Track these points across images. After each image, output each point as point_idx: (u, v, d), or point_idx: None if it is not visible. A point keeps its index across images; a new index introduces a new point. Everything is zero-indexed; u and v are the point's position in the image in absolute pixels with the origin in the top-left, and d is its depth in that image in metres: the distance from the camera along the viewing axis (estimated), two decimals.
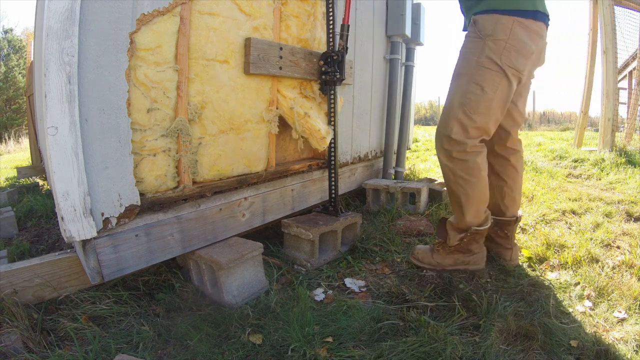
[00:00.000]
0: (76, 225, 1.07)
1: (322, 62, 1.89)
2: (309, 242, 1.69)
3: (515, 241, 1.73)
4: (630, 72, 5.70)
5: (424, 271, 1.62)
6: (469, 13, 1.51)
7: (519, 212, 1.73)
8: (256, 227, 1.77)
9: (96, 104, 1.10)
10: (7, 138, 9.93)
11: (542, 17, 1.40)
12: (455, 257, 1.60)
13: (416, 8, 2.89)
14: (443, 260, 1.61)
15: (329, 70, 1.88)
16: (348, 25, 1.86)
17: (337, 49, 1.89)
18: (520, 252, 1.76)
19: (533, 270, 1.64)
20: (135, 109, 1.21)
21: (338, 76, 1.89)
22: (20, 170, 3.97)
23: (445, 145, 1.50)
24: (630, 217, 2.28)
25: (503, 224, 1.69)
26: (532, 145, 5.48)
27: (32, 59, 4.47)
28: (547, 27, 1.46)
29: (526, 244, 1.89)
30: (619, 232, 2.01)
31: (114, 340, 1.14)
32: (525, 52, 1.38)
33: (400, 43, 2.80)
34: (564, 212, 2.34)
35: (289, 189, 1.93)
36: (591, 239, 1.89)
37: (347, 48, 1.87)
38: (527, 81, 1.57)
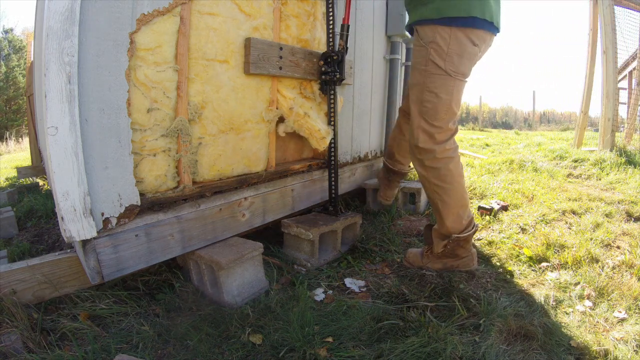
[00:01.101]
0: (76, 225, 1.07)
1: (322, 62, 1.89)
2: (309, 242, 1.69)
3: (394, 190, 2.17)
4: (630, 72, 5.70)
5: (423, 270, 1.63)
6: (410, 23, 1.57)
7: (407, 169, 2.11)
8: (256, 227, 1.76)
9: (96, 104, 1.10)
10: (7, 138, 9.93)
11: (481, 24, 1.39)
12: (443, 261, 1.63)
13: None
14: (432, 265, 1.64)
15: (328, 70, 1.88)
16: (348, 25, 1.86)
17: (337, 49, 1.89)
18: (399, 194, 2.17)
19: (533, 270, 1.64)
20: (135, 109, 1.21)
21: (338, 76, 1.89)
22: (20, 170, 3.97)
23: (416, 154, 1.55)
24: (630, 217, 2.28)
25: (394, 173, 2.09)
26: (532, 145, 5.48)
27: (32, 59, 4.47)
28: (490, 33, 1.46)
29: (526, 243, 1.89)
30: (619, 232, 2.01)
31: (114, 340, 1.14)
32: (467, 55, 1.42)
33: (400, 43, 2.80)
34: (564, 212, 2.34)
35: (289, 189, 1.93)
36: (591, 239, 1.89)
37: (347, 48, 1.87)
38: None
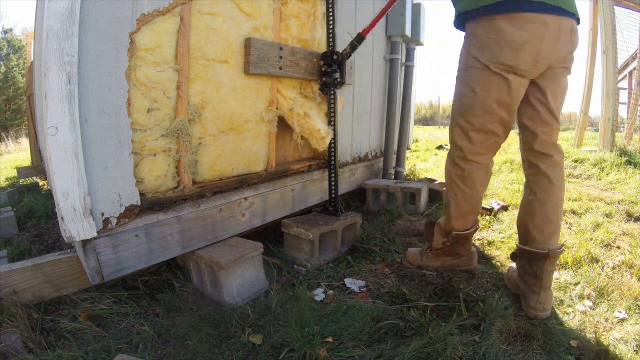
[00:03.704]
0: (76, 225, 1.07)
1: (322, 62, 1.89)
2: (309, 242, 1.69)
3: (549, 285, 1.30)
4: (630, 72, 5.70)
5: (423, 270, 1.63)
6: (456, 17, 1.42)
7: (558, 246, 1.31)
8: (256, 227, 1.76)
9: (96, 104, 1.10)
10: (7, 138, 9.93)
11: (527, 6, 1.19)
12: (442, 259, 1.61)
13: (416, 8, 2.89)
14: (431, 263, 1.62)
15: (329, 70, 1.88)
16: (364, 38, 1.82)
17: (336, 50, 1.89)
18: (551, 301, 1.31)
19: None
20: (135, 109, 1.21)
21: (339, 79, 1.89)
22: (20, 170, 3.97)
23: (451, 149, 1.49)
24: (630, 217, 2.28)
25: (532, 257, 1.31)
26: None
27: (32, 59, 4.47)
28: (549, 15, 1.20)
29: None
30: (619, 232, 2.01)
31: (114, 340, 1.14)
32: (511, 44, 1.22)
33: (400, 43, 2.80)
34: (564, 212, 2.34)
35: (289, 189, 1.93)
36: (591, 239, 1.89)
37: (350, 55, 1.87)
38: (551, 72, 1.29)
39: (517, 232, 1.46)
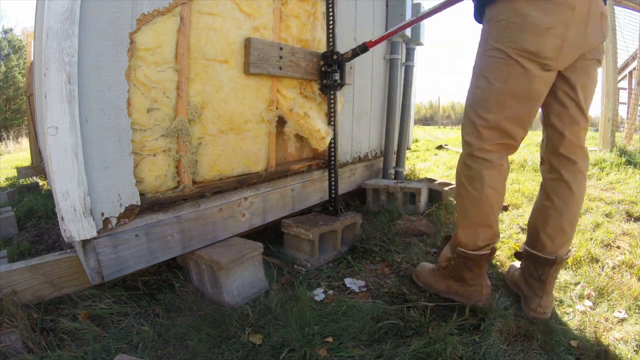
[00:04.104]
0: (76, 225, 1.07)
1: (322, 62, 1.89)
2: (309, 242, 1.69)
3: (552, 289, 1.30)
4: (630, 72, 5.70)
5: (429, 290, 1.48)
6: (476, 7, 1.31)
7: (565, 252, 1.28)
8: (256, 227, 1.76)
9: (96, 104, 1.10)
10: (7, 138, 9.93)
11: None
12: (448, 283, 1.39)
13: (416, 8, 2.89)
14: (437, 284, 1.42)
15: (329, 70, 1.88)
16: (368, 50, 1.82)
17: (337, 50, 1.89)
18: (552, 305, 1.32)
19: None
20: (135, 109, 1.21)
21: (338, 81, 1.89)
22: (20, 170, 3.97)
23: (462, 147, 1.34)
24: (630, 217, 2.28)
25: (538, 262, 1.29)
26: (533, 144, 5.48)
27: (32, 59, 4.47)
28: None
29: None
30: (619, 232, 2.01)
31: (114, 340, 1.14)
32: (534, 28, 1.09)
33: (400, 43, 2.80)
34: None
35: (289, 189, 1.93)
36: (591, 239, 1.89)
37: (350, 59, 1.87)
38: (581, 64, 1.18)
39: (525, 231, 1.43)
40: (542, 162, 1.37)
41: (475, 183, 1.26)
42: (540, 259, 1.27)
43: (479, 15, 1.30)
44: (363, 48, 1.81)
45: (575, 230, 1.43)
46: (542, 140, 1.35)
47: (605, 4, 1.16)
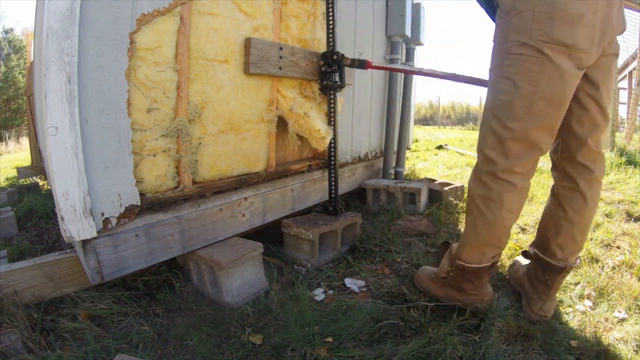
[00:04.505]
0: (76, 225, 1.07)
1: (322, 62, 1.89)
2: (309, 242, 1.69)
3: (555, 294, 1.29)
4: (630, 72, 5.70)
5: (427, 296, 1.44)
6: None
7: (575, 260, 1.25)
8: (256, 227, 1.76)
9: (96, 104, 1.10)
10: (7, 138, 9.93)
11: None
12: (446, 290, 1.33)
13: (416, 8, 2.89)
14: (436, 291, 1.37)
15: (328, 70, 1.88)
16: (365, 67, 1.84)
17: (337, 50, 1.89)
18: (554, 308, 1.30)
19: None
20: (135, 109, 1.21)
21: (339, 82, 1.89)
22: (20, 170, 3.97)
23: (477, 162, 1.20)
24: (630, 217, 2.28)
25: (546, 267, 1.25)
26: None
27: (32, 59, 4.47)
28: None
29: (527, 243, 1.88)
30: (619, 232, 2.01)
31: (114, 340, 1.14)
32: (566, 16, 0.96)
33: (400, 43, 2.80)
34: None
35: (289, 189, 1.93)
36: (591, 239, 1.89)
37: (348, 65, 1.87)
38: (602, 61, 1.08)
39: (526, 231, 1.41)
40: (554, 168, 1.28)
41: (493, 205, 1.14)
42: (550, 265, 1.24)
43: (492, 11, 1.18)
44: (362, 64, 1.84)
45: (586, 239, 1.39)
46: (556, 146, 1.25)
47: None
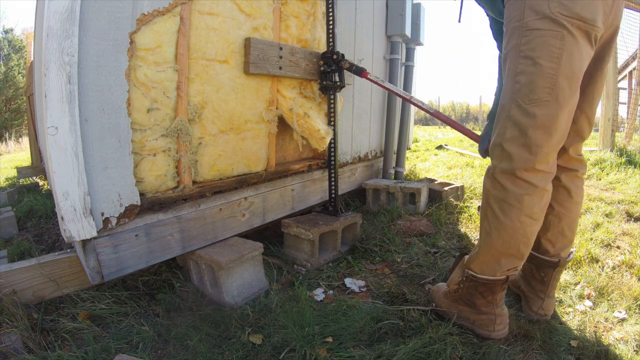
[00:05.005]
0: (76, 225, 1.07)
1: (322, 62, 1.89)
2: (308, 242, 1.69)
3: (554, 292, 1.27)
4: (630, 72, 5.70)
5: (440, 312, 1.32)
6: None
7: (568, 254, 1.25)
8: (256, 227, 1.76)
9: (96, 104, 1.10)
10: (7, 138, 9.93)
11: None
12: (459, 307, 1.22)
13: (416, 8, 2.89)
14: (448, 307, 1.26)
15: (328, 70, 1.88)
16: (361, 75, 1.83)
17: (336, 50, 1.89)
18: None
19: None
20: (135, 109, 1.21)
21: (338, 83, 1.89)
22: (20, 170, 3.97)
23: (493, 159, 1.08)
24: (630, 217, 2.28)
25: (541, 264, 1.25)
26: None
27: (32, 59, 4.47)
28: None
29: None
30: (619, 232, 2.01)
31: (114, 340, 1.14)
32: None
33: (400, 43, 2.80)
34: None
35: (289, 189, 1.93)
36: (591, 239, 1.89)
37: (347, 69, 1.87)
38: (606, 48, 1.04)
39: None
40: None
41: (510, 210, 1.03)
42: (543, 261, 1.24)
43: (489, 6, 1.11)
44: (358, 71, 1.83)
45: (576, 233, 1.41)
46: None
47: None
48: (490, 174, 1.09)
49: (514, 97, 1.00)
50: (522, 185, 1.01)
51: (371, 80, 1.80)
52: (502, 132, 1.04)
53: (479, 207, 2.37)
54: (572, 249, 1.32)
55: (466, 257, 1.23)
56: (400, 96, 1.74)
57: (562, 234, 1.22)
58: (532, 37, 0.95)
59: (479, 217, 1.21)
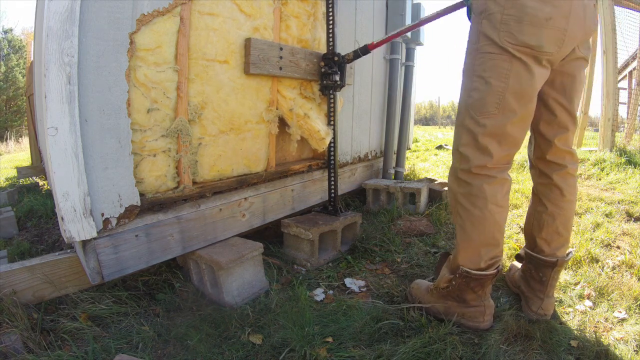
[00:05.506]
0: (76, 225, 1.07)
1: (322, 64, 1.89)
2: (308, 241, 1.69)
3: (553, 292, 1.28)
4: (630, 72, 5.70)
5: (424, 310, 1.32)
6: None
7: (566, 254, 1.27)
8: (256, 227, 1.77)
9: (96, 105, 1.10)
10: (7, 138, 9.94)
11: None
12: (447, 303, 1.25)
13: (416, 8, 2.89)
14: (434, 304, 1.29)
15: (329, 72, 1.88)
16: (369, 52, 1.82)
17: (338, 52, 1.89)
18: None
19: None
20: (135, 109, 1.21)
21: (339, 82, 1.89)
22: (20, 170, 3.97)
23: (453, 161, 1.21)
24: (630, 217, 2.28)
25: (539, 264, 1.27)
26: None
27: (32, 59, 4.47)
28: None
29: None
30: (619, 232, 2.01)
31: (114, 341, 1.14)
32: (533, 20, 1.01)
33: (400, 43, 2.80)
34: None
35: (289, 189, 1.93)
36: (591, 239, 1.89)
37: (351, 61, 1.87)
38: (570, 66, 1.15)
39: (523, 236, 1.39)
40: (531, 167, 1.34)
41: (477, 201, 1.13)
42: (541, 261, 1.26)
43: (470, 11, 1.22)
44: (365, 50, 1.81)
45: (572, 232, 1.43)
46: (530, 144, 1.32)
47: None
48: (454, 175, 1.20)
49: (467, 109, 1.14)
50: (481, 177, 1.13)
51: (379, 44, 1.79)
52: (458, 138, 1.18)
53: None
54: (571, 249, 1.34)
55: (451, 256, 1.27)
56: (407, 30, 1.70)
57: (557, 232, 1.25)
58: (485, 59, 1.09)
59: (454, 220, 1.26)
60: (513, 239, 1.94)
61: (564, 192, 1.24)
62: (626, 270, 1.59)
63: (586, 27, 1.07)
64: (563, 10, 1.01)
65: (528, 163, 1.33)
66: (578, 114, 1.22)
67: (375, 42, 1.79)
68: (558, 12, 1.01)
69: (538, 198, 1.30)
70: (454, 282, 1.22)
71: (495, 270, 1.18)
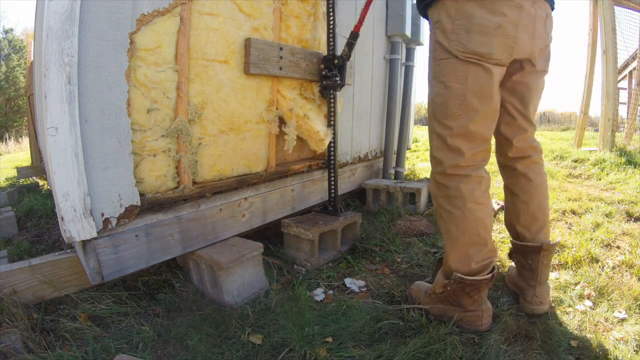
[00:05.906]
0: (76, 225, 1.07)
1: (322, 66, 1.89)
2: (308, 241, 1.69)
3: (547, 280, 1.30)
4: (630, 72, 5.70)
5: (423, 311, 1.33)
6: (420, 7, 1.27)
7: (550, 239, 1.30)
8: (256, 227, 1.77)
9: (96, 105, 1.10)
10: (7, 138, 9.94)
11: None
12: (444, 307, 1.25)
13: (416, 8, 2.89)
14: (432, 308, 1.29)
15: (329, 74, 1.87)
16: (357, 34, 1.83)
17: (338, 53, 1.89)
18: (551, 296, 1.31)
19: None
20: (135, 109, 1.22)
21: (339, 82, 1.89)
22: (20, 170, 3.97)
23: (431, 167, 1.25)
24: (630, 217, 2.28)
25: (525, 252, 1.30)
26: None
27: (32, 59, 4.47)
28: None
29: None
30: (619, 232, 2.01)
31: (114, 341, 1.14)
32: (481, 29, 1.06)
33: (400, 43, 2.80)
34: (564, 212, 2.34)
35: (289, 189, 1.93)
36: (591, 239, 1.89)
37: (350, 56, 1.87)
38: (529, 78, 1.21)
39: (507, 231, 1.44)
40: (499, 166, 1.40)
41: (456, 201, 1.16)
42: (526, 247, 1.29)
43: (423, 13, 1.26)
44: (353, 35, 1.83)
45: (549, 216, 1.49)
46: (495, 145, 1.37)
47: (553, 9, 1.19)
48: (433, 179, 1.24)
49: (434, 114, 1.20)
50: (456, 177, 1.16)
51: (361, 22, 1.80)
52: (431, 144, 1.24)
53: None
54: (557, 239, 1.43)
55: (444, 260, 1.26)
56: None
57: (534, 217, 1.30)
58: (442, 65, 1.15)
59: (439, 224, 1.27)
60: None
61: (530, 178, 1.30)
62: (626, 270, 1.59)
63: (536, 37, 1.12)
64: (512, 19, 1.06)
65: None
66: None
67: (357, 23, 1.81)
68: (507, 20, 1.06)
69: (509, 190, 1.36)
70: (449, 288, 1.21)
71: (490, 275, 1.17)
